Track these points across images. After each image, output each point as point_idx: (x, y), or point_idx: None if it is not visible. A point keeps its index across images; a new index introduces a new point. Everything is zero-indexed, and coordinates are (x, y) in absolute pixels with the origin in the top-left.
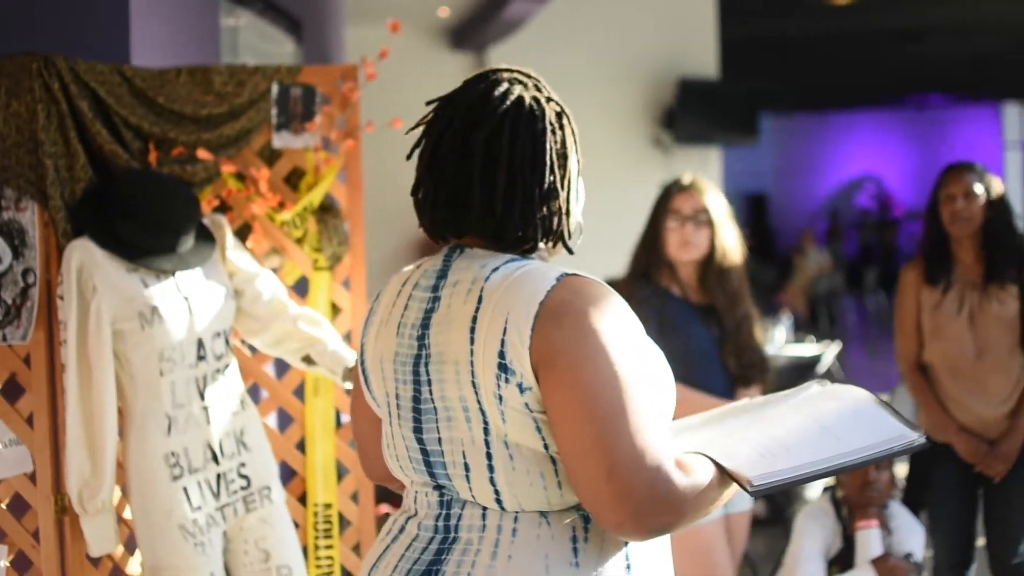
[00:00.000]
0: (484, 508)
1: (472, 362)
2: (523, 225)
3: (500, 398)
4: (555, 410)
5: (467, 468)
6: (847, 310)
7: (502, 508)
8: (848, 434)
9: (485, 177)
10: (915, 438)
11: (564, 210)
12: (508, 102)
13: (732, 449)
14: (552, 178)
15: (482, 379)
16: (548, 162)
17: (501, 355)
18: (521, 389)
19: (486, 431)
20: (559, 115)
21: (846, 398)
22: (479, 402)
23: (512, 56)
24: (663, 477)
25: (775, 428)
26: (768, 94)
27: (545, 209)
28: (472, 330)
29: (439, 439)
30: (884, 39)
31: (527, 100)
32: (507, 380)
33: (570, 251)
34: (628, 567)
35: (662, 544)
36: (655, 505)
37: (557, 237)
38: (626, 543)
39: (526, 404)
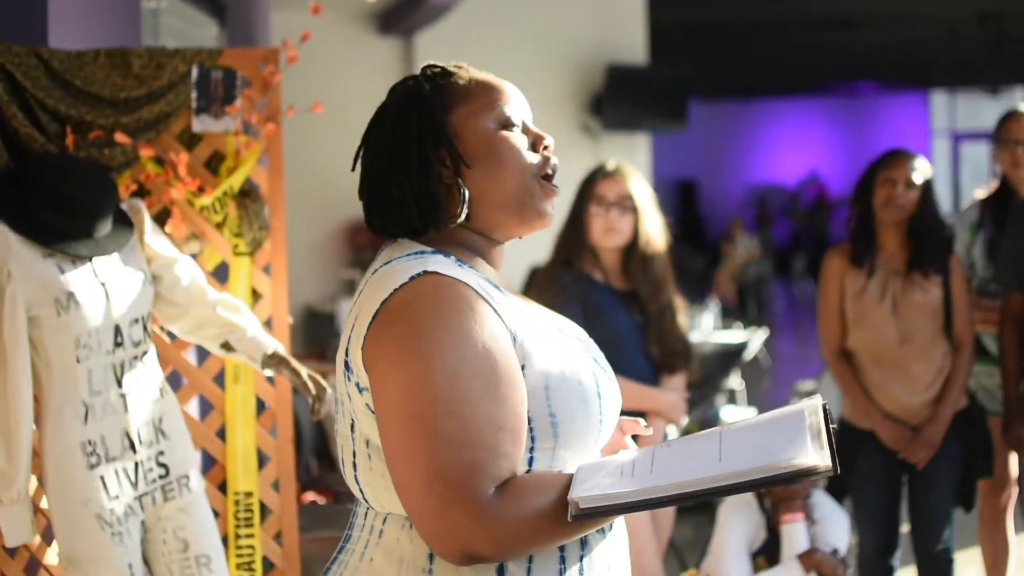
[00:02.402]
0: (368, 507)
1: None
2: (399, 208)
3: (349, 396)
4: (377, 413)
5: (343, 464)
6: (776, 297)
7: (375, 508)
8: (736, 455)
9: (366, 167)
10: (814, 466)
11: (434, 191)
12: (395, 91)
13: (608, 469)
14: (415, 158)
15: (341, 376)
16: (410, 144)
17: (346, 353)
18: (359, 389)
19: (352, 427)
20: (439, 93)
21: (785, 412)
22: (348, 397)
23: (440, 42)
24: (468, 497)
25: (673, 446)
26: (697, 80)
27: (417, 190)
28: (349, 327)
29: (338, 432)
30: (814, 26)
31: (408, 85)
32: (349, 379)
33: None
34: None
35: (568, 572)
36: (455, 527)
37: (444, 219)
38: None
39: (367, 404)
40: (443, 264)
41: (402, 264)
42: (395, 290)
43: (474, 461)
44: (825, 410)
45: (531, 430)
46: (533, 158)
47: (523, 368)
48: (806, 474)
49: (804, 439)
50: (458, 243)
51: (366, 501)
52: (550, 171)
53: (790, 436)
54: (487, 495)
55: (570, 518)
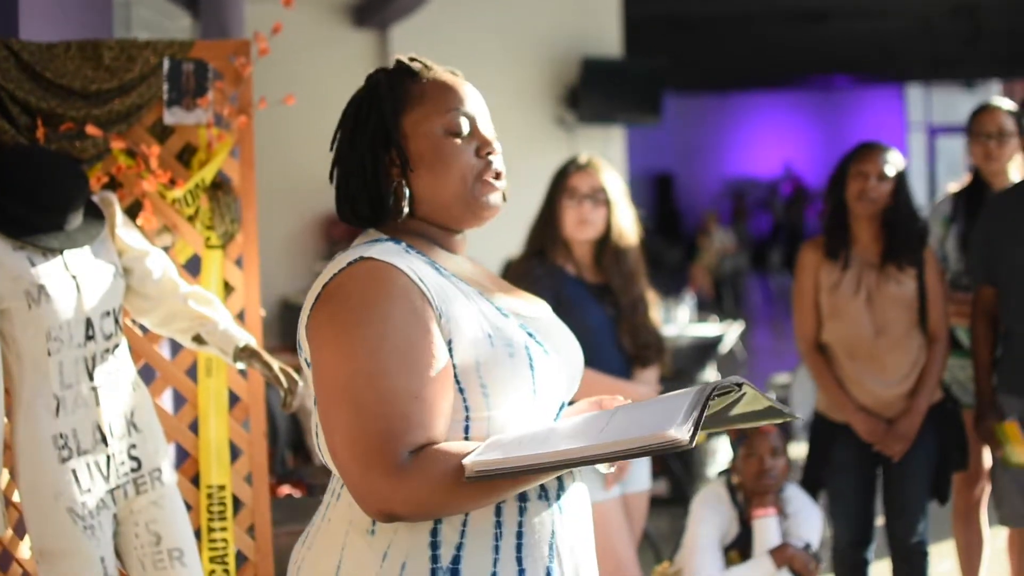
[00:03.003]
0: (332, 473)
1: None
2: (354, 201)
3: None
4: (313, 385)
5: (315, 434)
6: (752, 290)
7: (335, 473)
8: (616, 429)
9: (335, 157)
10: (675, 439)
11: (383, 188)
12: (364, 85)
13: (510, 439)
14: (367, 157)
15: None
16: (364, 142)
17: (298, 331)
18: (307, 363)
19: (315, 398)
20: (395, 94)
21: (685, 391)
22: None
23: (414, 34)
24: (383, 462)
25: (574, 420)
26: (672, 73)
27: (367, 186)
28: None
29: None
30: (790, 19)
31: (371, 81)
32: (300, 355)
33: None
34: (433, 544)
35: (505, 536)
36: (373, 488)
37: (392, 213)
38: (437, 522)
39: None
40: (387, 251)
41: (352, 251)
42: (335, 275)
43: (389, 429)
44: (714, 388)
45: (464, 400)
46: (476, 164)
47: (451, 343)
48: (665, 448)
49: (677, 416)
50: (415, 232)
51: (329, 466)
52: (491, 176)
53: (668, 412)
54: (401, 459)
55: (465, 479)
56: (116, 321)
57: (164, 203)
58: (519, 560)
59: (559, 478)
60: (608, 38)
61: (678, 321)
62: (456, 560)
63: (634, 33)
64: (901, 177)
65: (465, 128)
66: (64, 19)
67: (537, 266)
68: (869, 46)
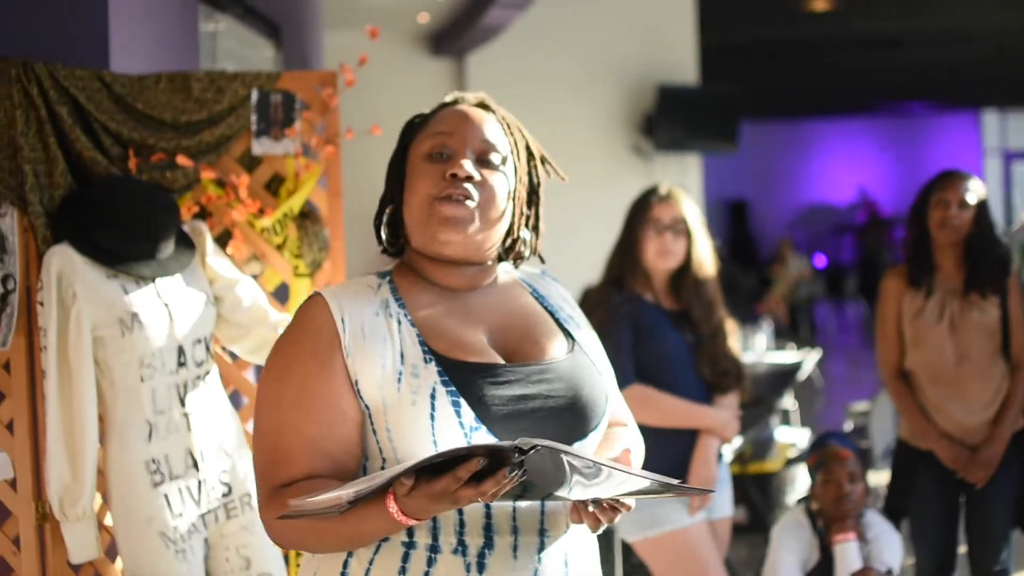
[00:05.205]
0: None
1: None
2: (377, 230)
3: None
4: None
5: None
6: (828, 317)
7: None
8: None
9: None
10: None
11: (385, 218)
12: None
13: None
14: (387, 188)
15: None
16: (388, 173)
17: None
18: None
19: None
20: (413, 127)
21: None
22: None
23: (491, 63)
24: (263, 487)
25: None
26: (747, 100)
27: (377, 216)
28: None
29: None
30: (863, 46)
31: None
32: None
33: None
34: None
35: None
36: (261, 510)
37: (385, 242)
38: (349, 554)
39: None
40: (350, 286)
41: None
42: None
43: (271, 459)
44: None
45: (378, 442)
46: (439, 185)
47: (357, 383)
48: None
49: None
50: (412, 264)
51: None
52: (444, 194)
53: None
54: (273, 489)
55: (279, 518)
56: (207, 348)
57: (253, 232)
58: None
59: (488, 537)
60: (684, 65)
61: (756, 348)
62: None
63: (709, 60)
64: (983, 205)
65: (443, 152)
66: (154, 51)
67: (615, 294)
68: (944, 72)
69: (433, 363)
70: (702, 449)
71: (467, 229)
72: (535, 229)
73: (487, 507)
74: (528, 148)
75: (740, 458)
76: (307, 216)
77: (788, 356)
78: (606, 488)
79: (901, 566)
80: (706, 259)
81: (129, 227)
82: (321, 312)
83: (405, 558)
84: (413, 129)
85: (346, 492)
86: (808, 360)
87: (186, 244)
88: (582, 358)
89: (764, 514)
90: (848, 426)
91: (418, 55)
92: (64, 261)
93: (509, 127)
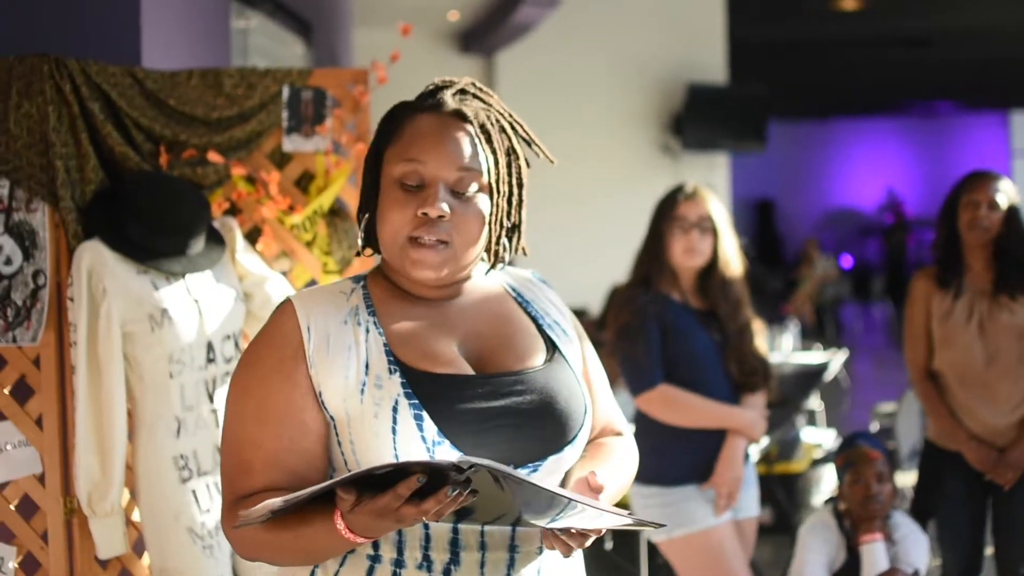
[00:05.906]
0: None
1: None
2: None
3: None
4: None
5: None
6: (853, 318)
7: None
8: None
9: None
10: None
11: (362, 224)
12: None
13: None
14: (362, 195)
15: None
16: (364, 177)
17: None
18: None
19: None
20: (392, 124)
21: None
22: None
23: (520, 61)
24: (226, 497)
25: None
26: (775, 99)
27: (358, 214)
28: None
29: None
30: (892, 45)
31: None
32: None
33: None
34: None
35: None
36: (223, 527)
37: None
38: (316, 567)
39: None
40: (323, 290)
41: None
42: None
43: (231, 469)
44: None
45: (343, 454)
46: (411, 223)
47: (321, 394)
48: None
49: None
50: (383, 272)
51: None
52: (416, 234)
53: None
54: (236, 499)
55: (233, 528)
56: (236, 345)
57: (283, 229)
58: None
59: (454, 552)
60: (713, 64)
61: (782, 349)
62: None
63: (737, 59)
64: (1013, 206)
65: (414, 183)
66: (186, 48)
67: (642, 294)
68: (973, 72)
69: (398, 374)
70: (729, 449)
71: (441, 271)
72: (517, 228)
73: (454, 521)
74: (510, 149)
75: (766, 458)
76: (337, 213)
77: (814, 357)
78: (566, 517)
79: (928, 567)
80: (733, 257)
81: (159, 223)
82: (288, 320)
83: (370, 571)
84: (389, 131)
85: (274, 502)
86: (834, 361)
87: (216, 240)
88: (560, 367)
89: (790, 514)
90: (874, 427)
91: (447, 53)
92: (94, 257)
93: (488, 136)
